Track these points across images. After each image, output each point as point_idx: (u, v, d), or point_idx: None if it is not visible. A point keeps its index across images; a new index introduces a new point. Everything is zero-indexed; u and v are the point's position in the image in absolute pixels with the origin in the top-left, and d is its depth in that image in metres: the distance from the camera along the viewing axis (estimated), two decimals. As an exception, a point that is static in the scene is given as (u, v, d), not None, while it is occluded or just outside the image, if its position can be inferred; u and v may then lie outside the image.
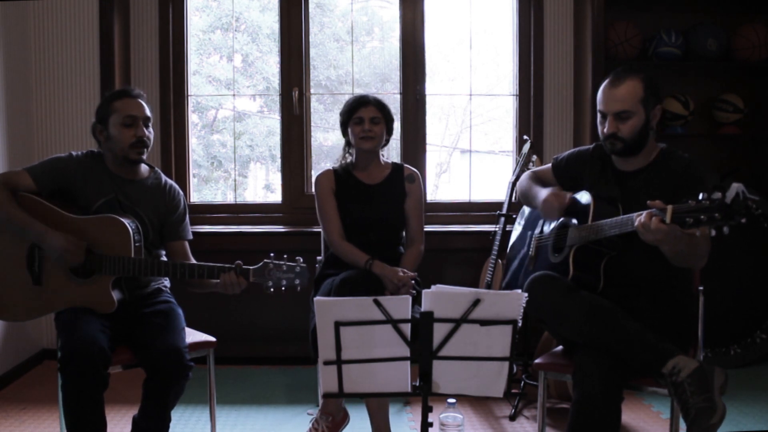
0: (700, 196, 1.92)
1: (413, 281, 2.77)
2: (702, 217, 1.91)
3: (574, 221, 2.43)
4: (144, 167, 2.65)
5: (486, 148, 4.53)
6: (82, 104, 3.87)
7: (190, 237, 2.73)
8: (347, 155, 3.01)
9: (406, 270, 2.78)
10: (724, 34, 3.88)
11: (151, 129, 2.58)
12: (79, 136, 3.87)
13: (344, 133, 3.00)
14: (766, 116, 4.04)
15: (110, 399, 2.36)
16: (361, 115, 2.90)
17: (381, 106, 2.94)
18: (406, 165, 3.07)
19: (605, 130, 2.37)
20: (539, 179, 2.69)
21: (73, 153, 2.59)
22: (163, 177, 2.70)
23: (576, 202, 2.45)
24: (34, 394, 3.40)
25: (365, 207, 2.93)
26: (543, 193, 2.52)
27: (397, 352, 1.81)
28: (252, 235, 3.89)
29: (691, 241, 2.08)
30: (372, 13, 4.39)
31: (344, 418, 2.80)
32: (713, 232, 1.90)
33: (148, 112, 2.57)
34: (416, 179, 3.02)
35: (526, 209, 2.87)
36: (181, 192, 2.72)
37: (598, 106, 2.40)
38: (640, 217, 2.07)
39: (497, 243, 3.34)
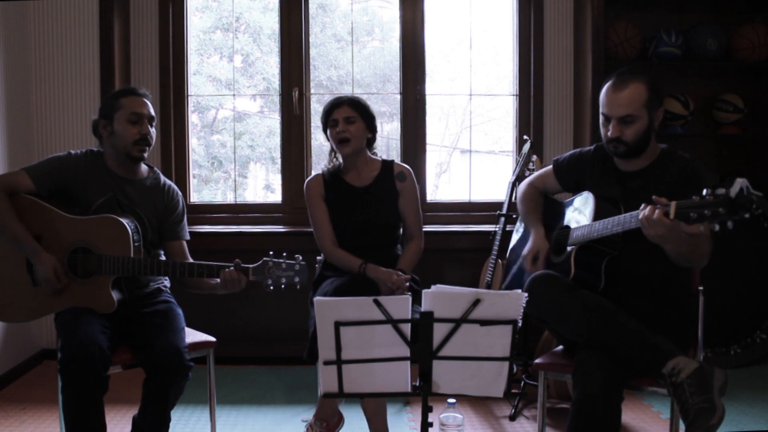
0: (704, 192, 1.91)
1: (408, 283, 2.69)
2: (706, 212, 1.89)
3: (574, 223, 2.42)
4: (143, 167, 2.66)
5: (486, 148, 4.53)
6: (82, 104, 3.87)
7: (188, 237, 2.73)
8: (334, 159, 2.95)
9: (400, 272, 2.72)
10: (724, 34, 3.88)
11: (154, 129, 2.60)
12: (79, 135, 3.86)
13: (327, 138, 2.93)
14: (766, 116, 4.03)
15: (110, 399, 2.36)
16: (335, 117, 2.82)
17: (355, 104, 2.84)
18: (396, 162, 2.97)
19: (609, 133, 2.34)
20: (538, 194, 2.68)
21: (72, 152, 2.59)
22: (162, 177, 2.70)
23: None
24: (34, 394, 3.40)
25: (357, 211, 2.86)
26: (530, 241, 2.53)
27: (397, 352, 1.81)
28: (252, 235, 3.89)
29: (693, 240, 2.07)
30: (372, 13, 4.39)
31: (339, 422, 2.77)
32: (717, 227, 1.89)
33: (152, 112, 2.60)
34: (407, 176, 2.93)
35: None
36: (179, 192, 2.73)
37: (602, 109, 2.37)
38: (644, 211, 2.05)
39: (497, 243, 3.34)
